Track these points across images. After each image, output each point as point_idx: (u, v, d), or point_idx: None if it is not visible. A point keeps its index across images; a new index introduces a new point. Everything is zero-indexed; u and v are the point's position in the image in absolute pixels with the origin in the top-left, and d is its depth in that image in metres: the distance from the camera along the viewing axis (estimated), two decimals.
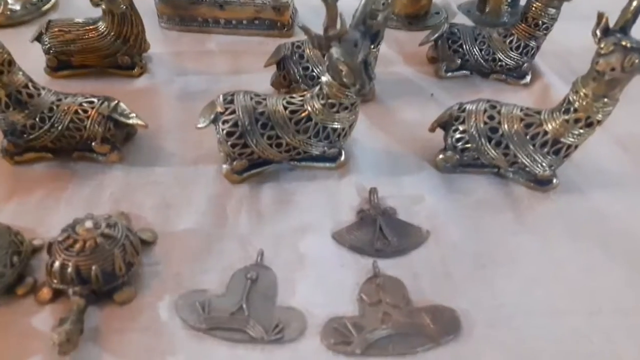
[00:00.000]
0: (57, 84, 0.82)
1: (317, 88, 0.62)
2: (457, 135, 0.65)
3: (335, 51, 0.57)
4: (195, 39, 0.96)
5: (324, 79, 0.60)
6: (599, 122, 0.59)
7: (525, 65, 0.83)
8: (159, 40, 0.94)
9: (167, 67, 0.88)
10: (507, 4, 0.99)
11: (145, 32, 0.85)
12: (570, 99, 0.59)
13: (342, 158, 0.69)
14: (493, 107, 0.65)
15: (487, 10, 1.01)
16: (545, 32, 0.79)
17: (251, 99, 0.64)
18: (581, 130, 0.60)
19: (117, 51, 0.82)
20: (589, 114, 0.58)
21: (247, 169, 0.67)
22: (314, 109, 0.62)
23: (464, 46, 0.82)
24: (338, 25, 0.56)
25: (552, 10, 0.77)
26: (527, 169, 0.64)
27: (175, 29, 0.97)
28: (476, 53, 0.82)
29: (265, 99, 0.64)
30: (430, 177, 0.68)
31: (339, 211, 0.63)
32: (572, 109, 0.59)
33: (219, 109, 0.63)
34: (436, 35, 0.83)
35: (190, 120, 0.74)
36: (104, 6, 0.77)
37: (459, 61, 0.83)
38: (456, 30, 0.83)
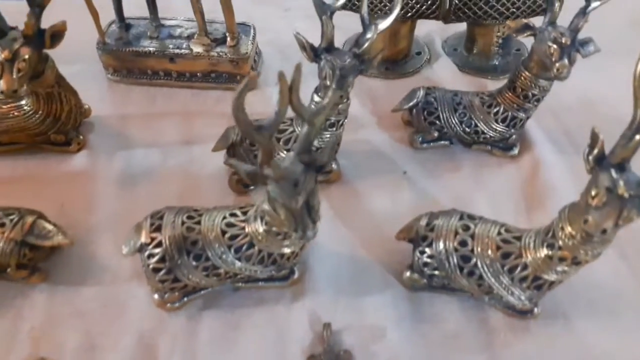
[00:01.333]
0: None
1: (260, 209, 0.52)
2: (425, 259, 0.56)
3: (272, 190, 0.48)
4: (145, 94, 0.85)
5: (265, 207, 0.51)
6: (587, 261, 0.50)
7: (513, 137, 0.72)
8: (104, 97, 0.84)
9: (110, 138, 0.78)
10: (497, 45, 0.87)
11: (81, 104, 0.75)
12: (555, 232, 0.50)
13: (296, 276, 0.60)
14: (466, 227, 0.55)
15: (475, 51, 0.89)
16: (536, 103, 0.68)
17: (182, 223, 0.55)
18: (566, 268, 0.50)
19: (48, 130, 0.72)
20: (575, 255, 0.49)
21: (184, 294, 0.58)
22: (257, 234, 0.53)
23: (442, 116, 0.71)
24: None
25: (543, 82, 0.66)
26: (504, 299, 0.55)
27: (123, 82, 0.87)
28: (456, 124, 0.71)
29: (200, 220, 0.55)
30: (395, 298, 0.59)
31: (287, 356, 0.55)
32: (556, 245, 0.49)
33: (143, 239, 0.54)
34: (410, 104, 0.73)
35: (128, 217, 0.66)
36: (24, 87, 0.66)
37: (436, 134, 0.73)
38: (433, 100, 0.72)
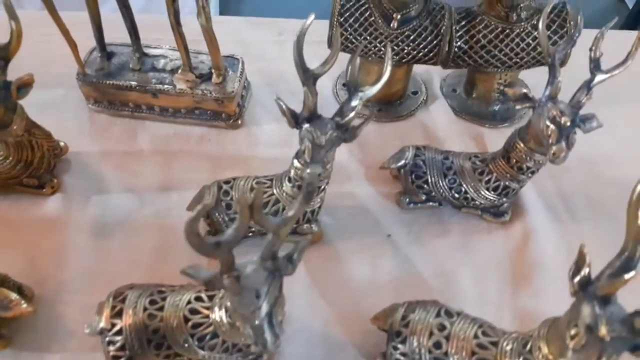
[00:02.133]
0: None
1: (225, 302, 0.50)
2: (397, 356, 0.53)
3: (231, 299, 0.45)
4: (126, 127, 0.82)
5: (228, 304, 0.48)
6: None
7: (505, 205, 0.69)
8: (83, 129, 0.81)
9: (86, 179, 0.75)
10: (498, 91, 0.82)
11: (56, 146, 0.72)
12: (532, 347, 0.47)
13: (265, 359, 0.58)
14: (442, 327, 0.52)
15: (474, 95, 0.84)
16: (530, 175, 0.65)
17: (145, 309, 0.52)
18: None
19: (20, 175, 0.69)
20: None
21: None
22: (220, 325, 0.50)
23: (430, 180, 0.68)
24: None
25: (539, 157, 0.62)
26: None
27: (104, 112, 0.83)
28: (444, 190, 0.68)
29: (163, 306, 0.53)
30: None
31: None
32: None
33: (104, 324, 0.52)
34: (398, 164, 0.69)
35: (99, 274, 0.65)
36: None
37: (423, 197, 0.70)
38: (421, 163, 0.68)
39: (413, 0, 0.71)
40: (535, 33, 0.73)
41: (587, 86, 0.59)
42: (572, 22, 0.73)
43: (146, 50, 0.83)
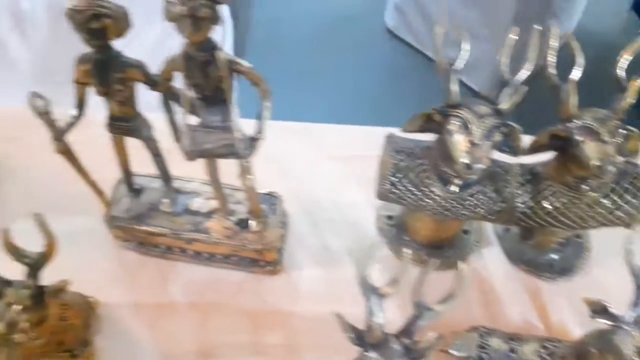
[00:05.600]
0: None
1: None
2: None
3: None
4: (159, 272, 0.76)
5: None
6: None
7: None
8: (114, 273, 0.76)
9: (118, 342, 0.69)
10: (557, 242, 0.76)
11: (88, 317, 0.68)
12: None
13: None
14: None
15: (530, 242, 0.78)
16: None
17: None
18: None
19: (51, 351, 0.64)
20: None
21: None
22: None
23: None
24: None
25: None
26: None
27: (134, 251, 0.78)
28: None
29: None
30: None
31: None
32: None
33: None
34: (460, 354, 0.64)
35: None
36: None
37: None
38: (486, 358, 0.63)
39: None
40: (606, 202, 0.66)
41: None
42: None
43: (178, 185, 0.77)
